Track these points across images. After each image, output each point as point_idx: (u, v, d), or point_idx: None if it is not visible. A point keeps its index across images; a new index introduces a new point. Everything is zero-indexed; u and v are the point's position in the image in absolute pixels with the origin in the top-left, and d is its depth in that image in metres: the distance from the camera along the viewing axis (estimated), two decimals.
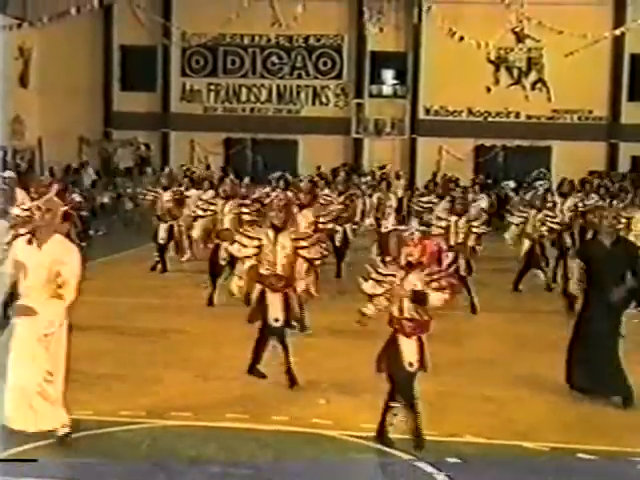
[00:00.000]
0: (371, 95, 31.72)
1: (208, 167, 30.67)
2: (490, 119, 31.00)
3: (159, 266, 16.40)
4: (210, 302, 12.95)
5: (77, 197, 22.53)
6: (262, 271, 8.90)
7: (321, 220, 12.40)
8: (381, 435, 7.20)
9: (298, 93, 31.96)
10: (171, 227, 16.52)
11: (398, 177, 28.22)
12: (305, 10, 24.20)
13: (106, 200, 26.16)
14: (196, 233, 13.99)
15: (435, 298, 7.00)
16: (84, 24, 26.85)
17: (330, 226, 13.20)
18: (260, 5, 26.38)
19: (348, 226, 16.50)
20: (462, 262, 12.92)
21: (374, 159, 31.16)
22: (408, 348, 7.10)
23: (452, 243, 13.02)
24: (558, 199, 17.10)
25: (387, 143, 31.48)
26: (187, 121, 31.52)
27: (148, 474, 6.59)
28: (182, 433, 7.33)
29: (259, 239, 8.98)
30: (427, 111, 31.32)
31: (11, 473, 6.26)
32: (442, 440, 7.26)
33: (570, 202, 16.87)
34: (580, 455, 7.06)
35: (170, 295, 14.02)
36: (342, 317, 11.30)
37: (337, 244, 16.05)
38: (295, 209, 12.12)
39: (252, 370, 8.96)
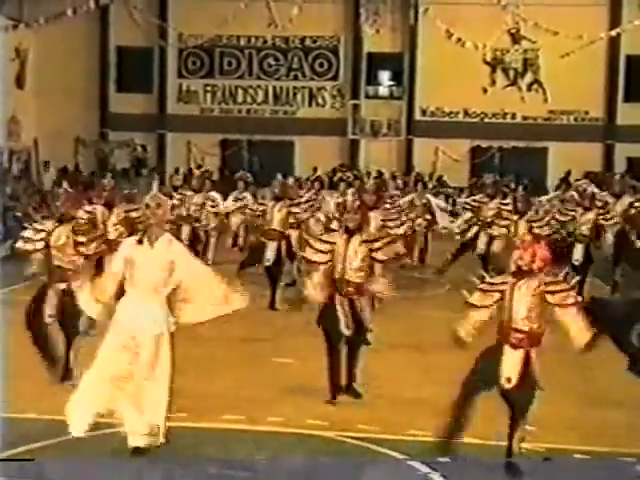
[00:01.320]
0: (367, 96, 31.72)
1: (199, 167, 30.59)
2: (486, 120, 31.02)
3: None
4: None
5: None
6: (335, 276, 8.55)
7: (390, 224, 12.08)
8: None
9: (294, 94, 31.96)
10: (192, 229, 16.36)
11: (394, 178, 28.25)
12: (301, 11, 24.23)
13: None
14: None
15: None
16: (80, 25, 26.83)
17: (401, 230, 12.73)
18: (256, 6, 26.38)
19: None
20: None
21: (370, 160, 31.17)
22: (509, 361, 6.60)
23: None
24: (610, 199, 16.21)
25: (383, 144, 31.49)
26: (183, 122, 31.51)
27: (145, 475, 6.60)
28: (179, 434, 7.33)
29: (333, 243, 8.69)
30: (423, 112, 31.33)
31: (11, 473, 6.26)
32: (437, 441, 7.26)
33: (626, 200, 15.92)
34: (577, 456, 7.07)
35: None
36: None
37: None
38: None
39: (345, 390, 8.61)
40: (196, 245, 16.36)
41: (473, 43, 24.35)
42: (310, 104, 31.87)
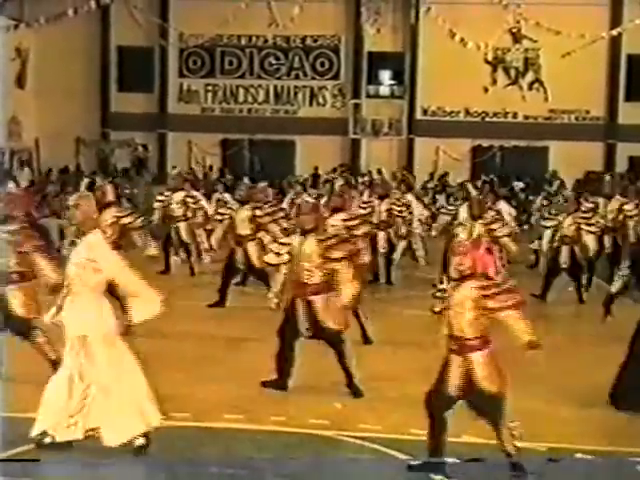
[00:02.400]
0: (368, 96, 31.72)
1: (211, 168, 30.71)
2: (487, 119, 31.02)
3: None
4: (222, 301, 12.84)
5: None
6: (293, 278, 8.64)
7: (350, 224, 11.92)
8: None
9: (295, 94, 31.96)
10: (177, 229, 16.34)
11: (395, 178, 28.23)
12: (302, 11, 24.20)
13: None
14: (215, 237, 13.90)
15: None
16: (81, 25, 26.84)
17: (361, 232, 12.66)
18: (257, 6, 26.38)
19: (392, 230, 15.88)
20: None
21: (371, 160, 31.17)
22: (454, 369, 6.50)
23: None
24: (601, 200, 16.17)
25: (384, 143, 31.49)
26: (184, 122, 31.51)
27: (146, 475, 6.60)
28: (180, 434, 7.33)
29: (289, 245, 8.77)
30: (424, 111, 31.33)
31: (11, 473, 6.26)
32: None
33: (614, 204, 15.78)
34: (578, 455, 7.06)
35: (173, 296, 13.98)
36: None
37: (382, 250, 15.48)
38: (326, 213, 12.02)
39: (280, 385, 8.73)
40: (187, 244, 16.40)
41: (475, 42, 24.33)
42: (311, 103, 31.87)
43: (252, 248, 12.89)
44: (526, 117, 30.93)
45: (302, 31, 30.20)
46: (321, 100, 31.90)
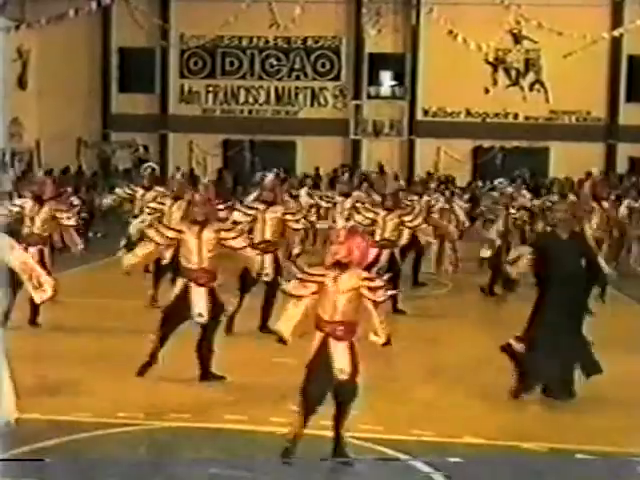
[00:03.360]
0: (369, 96, 31.76)
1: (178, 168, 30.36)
2: (488, 120, 31.04)
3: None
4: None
5: (75, 200, 22.55)
6: (187, 265, 8.97)
7: (288, 218, 11.90)
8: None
9: (296, 94, 31.99)
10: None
11: (397, 178, 28.25)
12: (303, 12, 24.25)
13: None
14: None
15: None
16: (82, 26, 26.89)
17: (299, 226, 12.76)
18: (258, 7, 26.40)
19: None
20: None
21: (372, 160, 31.19)
22: (340, 353, 6.58)
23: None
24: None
25: (385, 144, 31.51)
26: (185, 122, 31.54)
27: (146, 475, 6.60)
28: (180, 434, 7.34)
29: (180, 231, 9.08)
30: (425, 112, 31.35)
31: (11, 474, 6.26)
32: (440, 441, 7.28)
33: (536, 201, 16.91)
34: (579, 456, 7.06)
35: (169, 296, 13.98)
36: None
37: None
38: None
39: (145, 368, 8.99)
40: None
41: (475, 43, 24.35)
42: (312, 104, 31.90)
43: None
44: (527, 118, 30.95)
45: (303, 32, 30.22)
46: (322, 101, 31.92)
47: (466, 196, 28.94)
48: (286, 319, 6.79)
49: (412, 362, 10.12)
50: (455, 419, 7.94)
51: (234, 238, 9.26)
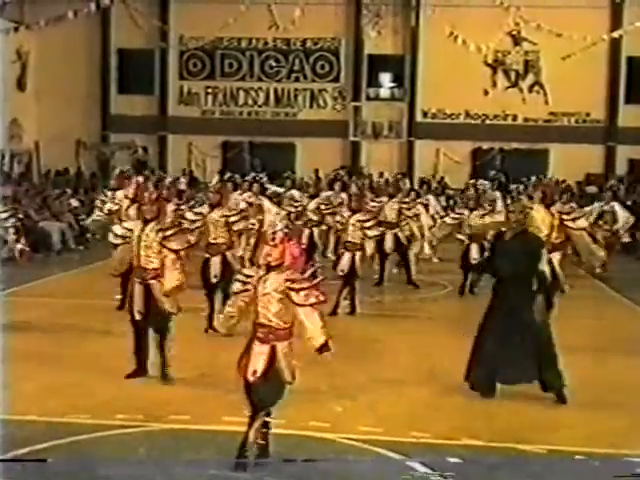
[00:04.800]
0: (369, 98, 31.75)
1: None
2: (488, 122, 31.04)
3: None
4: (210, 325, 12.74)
5: (75, 202, 22.58)
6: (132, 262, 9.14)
7: (231, 219, 12.05)
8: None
9: (296, 96, 31.99)
10: None
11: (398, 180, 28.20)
12: (303, 13, 24.26)
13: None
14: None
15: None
16: (81, 28, 26.90)
17: (241, 226, 12.63)
18: (258, 8, 26.41)
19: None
20: None
21: (371, 162, 31.19)
22: (256, 355, 6.59)
23: None
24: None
25: (385, 146, 31.50)
26: (185, 124, 31.54)
27: (146, 477, 6.60)
28: (180, 436, 7.33)
29: (130, 230, 9.25)
30: (425, 114, 31.36)
31: (10, 475, 6.26)
32: (438, 442, 7.27)
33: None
34: (578, 457, 7.06)
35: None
36: (340, 321, 11.36)
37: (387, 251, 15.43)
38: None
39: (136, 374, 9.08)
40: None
41: (475, 45, 24.35)
42: (311, 106, 31.90)
43: None
44: (526, 120, 30.95)
45: (302, 33, 30.22)
46: (321, 102, 31.92)
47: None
48: (223, 317, 7.06)
49: (410, 363, 10.13)
50: (454, 420, 7.94)
51: (172, 237, 9.12)
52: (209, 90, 32.24)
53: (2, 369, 8.57)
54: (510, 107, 30.82)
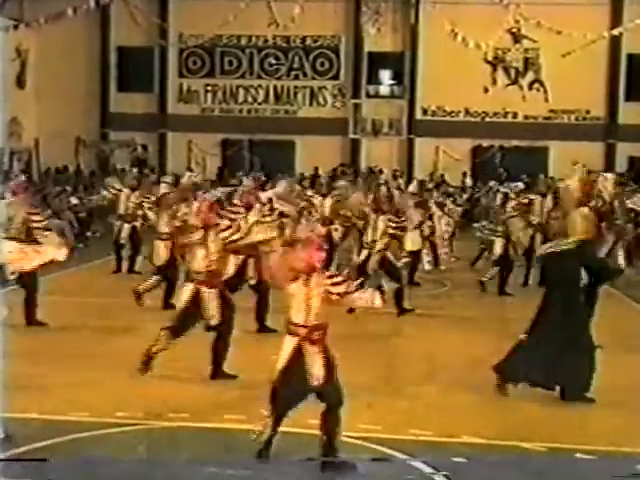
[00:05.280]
0: (368, 95, 31.74)
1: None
2: (487, 119, 31.03)
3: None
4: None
5: (74, 199, 22.58)
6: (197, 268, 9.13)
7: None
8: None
9: (295, 94, 31.96)
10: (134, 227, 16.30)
11: (395, 177, 28.24)
12: (302, 11, 24.21)
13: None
14: None
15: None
16: (81, 25, 26.87)
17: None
18: (257, 6, 26.36)
19: None
20: None
21: (371, 160, 31.17)
22: (313, 358, 6.68)
23: None
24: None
25: (384, 143, 31.49)
26: (184, 122, 31.52)
27: (146, 475, 6.59)
28: (179, 434, 7.32)
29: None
30: (424, 111, 31.34)
31: (10, 473, 6.25)
32: (439, 440, 7.26)
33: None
34: (579, 455, 7.05)
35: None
36: (342, 320, 11.34)
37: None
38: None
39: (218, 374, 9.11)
40: (137, 243, 16.25)
41: (475, 42, 24.33)
42: (311, 103, 31.88)
43: None
44: (526, 117, 30.94)
45: (302, 31, 30.21)
46: (321, 100, 31.90)
47: (465, 195, 29.00)
48: None
49: (411, 361, 10.12)
50: (454, 419, 7.93)
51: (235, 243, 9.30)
52: (209, 88, 32.23)
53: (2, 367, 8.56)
54: (510, 104, 30.81)
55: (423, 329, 12.01)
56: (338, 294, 6.67)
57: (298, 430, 7.49)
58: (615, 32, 26.34)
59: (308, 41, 31.58)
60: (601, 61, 29.89)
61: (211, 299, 9.06)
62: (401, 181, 27.42)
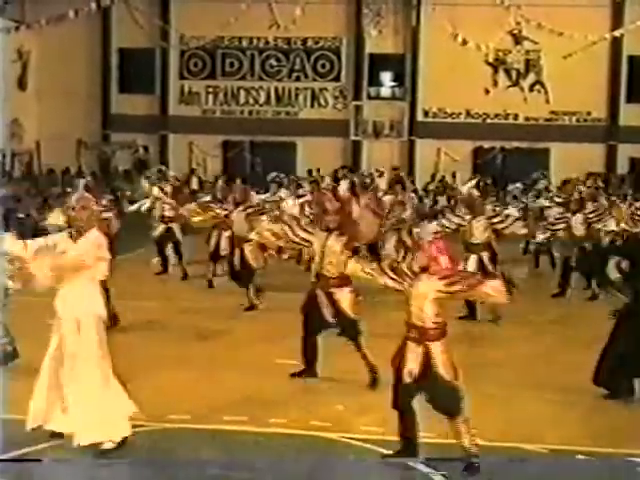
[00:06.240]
0: (369, 97, 31.72)
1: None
2: (488, 121, 31.01)
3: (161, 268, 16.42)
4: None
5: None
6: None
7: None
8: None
9: (296, 95, 31.96)
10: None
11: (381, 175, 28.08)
12: (303, 12, 24.21)
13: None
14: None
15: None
16: (82, 27, 26.87)
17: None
18: (258, 8, 26.37)
19: None
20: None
21: (372, 161, 31.15)
22: (410, 356, 6.70)
23: None
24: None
25: (386, 145, 31.47)
26: (185, 123, 31.51)
27: (148, 476, 6.59)
28: (181, 436, 7.32)
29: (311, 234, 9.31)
30: (425, 113, 31.33)
31: (10, 473, 6.25)
32: (440, 442, 7.25)
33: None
34: (579, 457, 7.05)
35: (170, 296, 14.01)
36: None
37: None
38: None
39: (304, 373, 9.13)
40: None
41: (476, 44, 24.32)
42: (312, 105, 31.87)
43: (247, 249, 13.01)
44: (527, 119, 30.92)
45: (303, 33, 30.19)
46: (322, 102, 31.90)
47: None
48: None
49: None
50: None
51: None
52: (210, 89, 32.22)
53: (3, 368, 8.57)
54: (511, 106, 30.79)
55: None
56: (456, 291, 6.68)
57: (300, 432, 7.51)
58: (616, 34, 26.34)
59: (309, 43, 31.57)
60: (602, 63, 29.87)
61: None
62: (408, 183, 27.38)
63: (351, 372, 9.18)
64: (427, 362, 6.63)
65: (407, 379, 6.64)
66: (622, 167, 30.37)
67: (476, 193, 16.07)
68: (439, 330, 6.70)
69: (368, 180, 24.82)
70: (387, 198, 17.51)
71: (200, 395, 8.55)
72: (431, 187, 29.03)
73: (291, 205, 17.21)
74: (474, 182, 18.63)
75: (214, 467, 6.61)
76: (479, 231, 12.61)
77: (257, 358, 9.83)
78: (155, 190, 17.08)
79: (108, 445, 6.76)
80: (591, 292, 14.36)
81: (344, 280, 8.97)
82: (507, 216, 13.45)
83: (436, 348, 6.65)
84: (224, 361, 9.84)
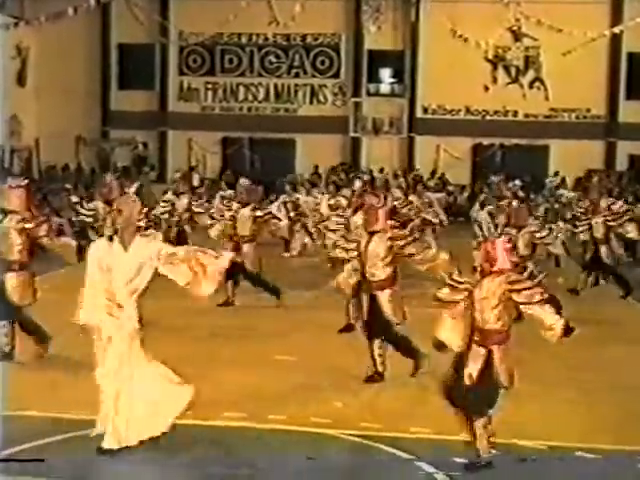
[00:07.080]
0: (369, 94, 31.71)
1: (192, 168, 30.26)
2: (488, 118, 31.01)
3: None
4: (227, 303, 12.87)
5: (74, 198, 22.53)
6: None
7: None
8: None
9: (296, 92, 31.94)
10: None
11: (396, 177, 28.27)
12: (303, 9, 24.20)
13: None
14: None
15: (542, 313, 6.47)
16: (81, 23, 26.84)
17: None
18: (258, 4, 26.37)
19: None
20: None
21: (372, 158, 31.16)
22: (473, 358, 6.61)
23: None
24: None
25: (385, 142, 31.47)
26: (185, 120, 31.51)
27: (147, 474, 6.59)
28: (180, 432, 7.31)
29: (358, 242, 9.22)
30: (425, 110, 31.32)
31: (11, 472, 6.24)
32: (438, 438, 7.26)
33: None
34: (578, 453, 7.05)
35: (171, 295, 13.96)
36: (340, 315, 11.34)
37: None
38: None
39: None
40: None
41: (475, 41, 24.33)
42: (311, 102, 31.87)
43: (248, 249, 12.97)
44: (527, 115, 30.93)
45: (302, 29, 30.18)
46: (321, 98, 31.88)
47: (465, 194, 29.02)
48: (450, 329, 6.82)
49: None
50: (454, 417, 7.91)
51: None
52: (209, 86, 32.21)
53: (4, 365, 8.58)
54: (510, 103, 30.79)
55: (423, 326, 11.97)
56: (518, 302, 6.53)
57: (299, 429, 7.50)
58: (616, 30, 26.33)
59: (308, 39, 31.56)
60: (601, 59, 29.87)
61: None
62: (402, 180, 27.45)
63: (349, 369, 9.18)
64: (488, 366, 6.56)
65: (467, 382, 6.58)
66: (621, 164, 30.38)
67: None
68: (502, 334, 6.59)
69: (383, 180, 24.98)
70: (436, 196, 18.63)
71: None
72: (430, 184, 29.00)
73: (324, 206, 17.20)
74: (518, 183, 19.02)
75: (213, 464, 6.60)
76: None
77: (256, 353, 9.83)
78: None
79: (108, 445, 6.76)
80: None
81: (387, 281, 9.00)
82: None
83: (498, 352, 6.56)
84: (224, 359, 9.83)
